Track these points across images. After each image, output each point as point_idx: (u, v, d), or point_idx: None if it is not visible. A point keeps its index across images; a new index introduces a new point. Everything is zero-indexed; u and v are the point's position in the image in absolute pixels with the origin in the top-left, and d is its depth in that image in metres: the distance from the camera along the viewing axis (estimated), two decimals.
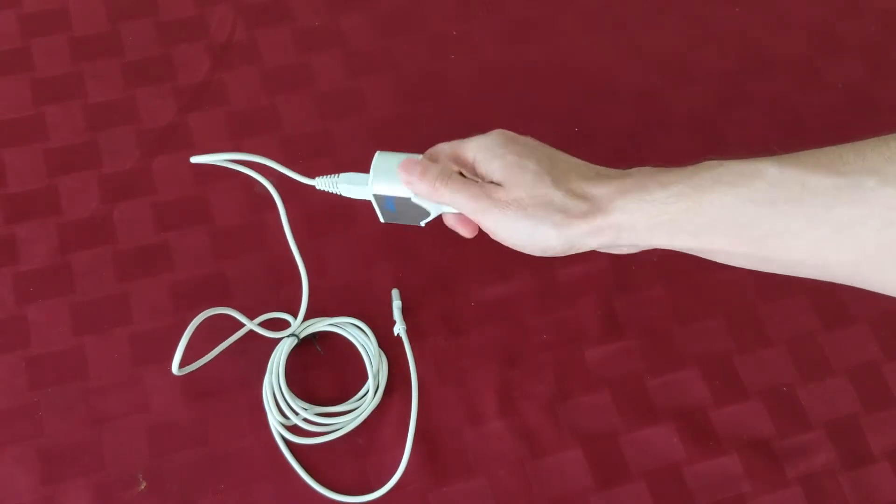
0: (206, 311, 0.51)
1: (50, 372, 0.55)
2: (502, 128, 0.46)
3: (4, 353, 0.55)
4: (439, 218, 0.48)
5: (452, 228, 0.48)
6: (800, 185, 0.38)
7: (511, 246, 0.45)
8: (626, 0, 0.71)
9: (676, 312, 0.60)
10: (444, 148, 0.48)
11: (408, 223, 0.49)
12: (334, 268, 0.59)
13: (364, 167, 0.63)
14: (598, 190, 0.43)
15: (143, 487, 0.52)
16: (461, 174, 0.46)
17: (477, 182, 0.45)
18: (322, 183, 0.48)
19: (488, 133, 0.46)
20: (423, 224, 0.48)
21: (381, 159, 0.48)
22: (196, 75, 0.65)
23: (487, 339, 0.58)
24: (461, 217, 0.47)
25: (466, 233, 0.48)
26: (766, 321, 0.60)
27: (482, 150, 0.45)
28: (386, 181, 0.47)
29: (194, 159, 0.48)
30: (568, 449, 0.55)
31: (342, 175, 0.48)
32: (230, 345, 0.55)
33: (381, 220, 0.49)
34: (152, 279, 0.58)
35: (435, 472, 0.54)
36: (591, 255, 0.61)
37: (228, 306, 0.57)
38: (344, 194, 0.48)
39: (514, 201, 0.43)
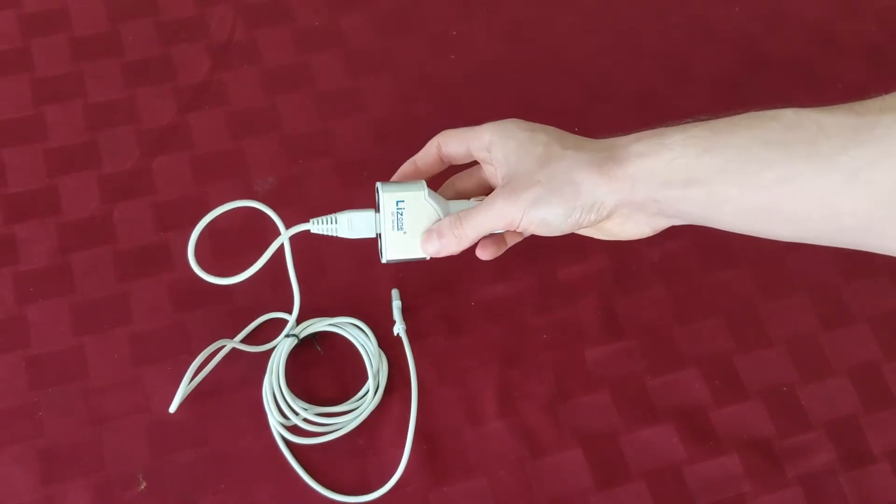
0: (205, 350, 0.52)
1: (50, 372, 0.55)
2: None
3: (4, 353, 0.55)
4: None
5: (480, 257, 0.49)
6: (815, 126, 0.37)
7: (547, 229, 0.44)
8: (626, 0, 0.71)
9: (676, 312, 0.60)
10: (452, 134, 0.48)
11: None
12: (334, 268, 0.59)
13: (364, 167, 0.63)
14: (613, 139, 0.43)
15: (143, 487, 0.52)
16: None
17: (482, 198, 0.46)
18: (317, 227, 0.48)
19: (503, 120, 0.46)
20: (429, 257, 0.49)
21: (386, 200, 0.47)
22: (196, 75, 0.65)
23: (487, 339, 0.58)
24: (482, 242, 0.48)
25: (487, 255, 0.49)
26: (766, 321, 0.60)
27: (498, 133, 0.45)
28: (398, 247, 0.47)
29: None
30: (568, 449, 0.55)
31: (340, 216, 0.48)
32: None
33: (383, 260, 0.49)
34: (152, 279, 0.58)
35: (435, 472, 0.54)
36: (592, 255, 0.61)
37: (228, 306, 0.57)
38: (343, 236, 0.48)
39: (534, 184, 0.43)
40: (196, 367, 0.52)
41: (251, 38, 0.67)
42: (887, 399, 0.58)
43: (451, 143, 0.48)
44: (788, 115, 0.38)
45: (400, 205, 0.47)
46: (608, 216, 0.43)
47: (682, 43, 0.70)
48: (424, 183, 0.47)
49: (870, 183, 0.35)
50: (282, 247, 0.50)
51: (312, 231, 0.48)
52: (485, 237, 0.48)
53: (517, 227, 0.44)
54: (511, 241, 0.50)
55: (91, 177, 0.61)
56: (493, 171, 0.47)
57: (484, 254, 0.49)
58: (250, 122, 0.64)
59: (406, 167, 0.50)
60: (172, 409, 0.52)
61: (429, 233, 0.47)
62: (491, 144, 0.46)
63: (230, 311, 0.57)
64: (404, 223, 0.47)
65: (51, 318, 0.56)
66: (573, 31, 0.70)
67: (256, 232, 0.60)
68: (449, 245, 0.46)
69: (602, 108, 0.67)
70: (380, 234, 0.48)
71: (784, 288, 0.61)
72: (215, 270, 0.59)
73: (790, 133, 0.37)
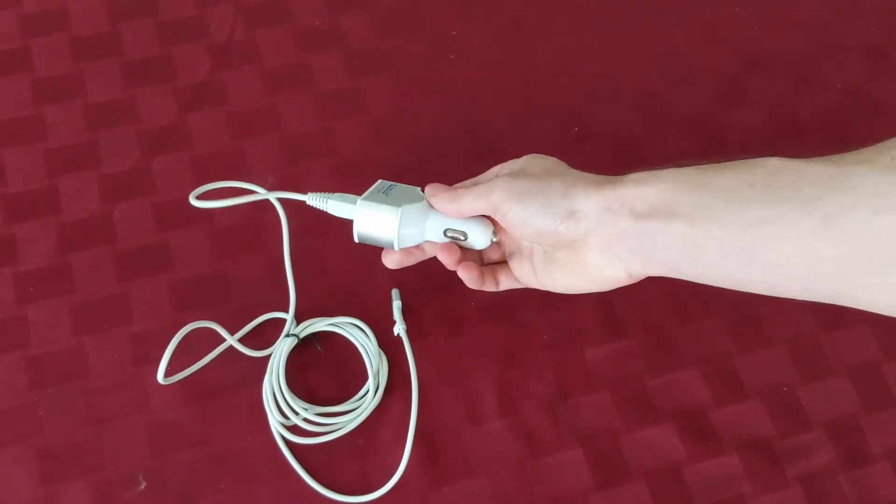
0: (189, 325, 0.52)
1: (50, 372, 0.55)
2: (502, 126, 0.48)
3: (4, 353, 0.55)
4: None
5: (439, 258, 0.51)
6: (797, 173, 0.39)
7: (522, 224, 0.46)
8: (627, 0, 0.71)
9: (676, 312, 0.60)
10: (466, 182, 0.52)
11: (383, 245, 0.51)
12: (334, 268, 0.59)
13: (364, 167, 0.63)
14: (614, 176, 0.45)
15: (143, 487, 0.52)
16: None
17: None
18: (312, 199, 0.51)
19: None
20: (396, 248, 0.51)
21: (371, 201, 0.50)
22: (196, 75, 0.65)
23: (487, 339, 0.58)
24: (443, 245, 0.50)
25: (449, 261, 0.51)
26: (766, 321, 0.60)
27: (506, 165, 0.50)
28: (371, 225, 0.50)
29: (196, 203, 0.50)
30: (568, 449, 0.55)
31: (333, 195, 0.51)
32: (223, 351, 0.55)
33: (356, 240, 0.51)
34: (152, 279, 0.58)
35: (435, 472, 0.54)
36: None
37: (228, 306, 0.58)
38: (332, 213, 0.51)
39: (531, 178, 0.46)
40: (181, 337, 0.51)
41: (251, 38, 0.67)
42: (887, 399, 0.58)
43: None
44: (773, 162, 0.40)
45: (392, 186, 0.51)
46: (585, 233, 0.45)
47: (682, 43, 0.70)
48: (425, 196, 0.51)
49: (843, 230, 0.37)
50: (281, 243, 0.51)
51: (308, 203, 0.51)
52: (467, 257, 0.51)
53: (496, 210, 0.47)
54: (504, 283, 0.53)
55: (91, 177, 0.61)
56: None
57: (444, 257, 0.51)
58: (250, 122, 0.64)
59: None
60: (159, 377, 0.51)
61: (433, 185, 0.50)
62: (500, 170, 0.50)
63: (230, 310, 0.57)
64: (390, 193, 0.50)
65: (51, 318, 0.56)
66: (573, 31, 0.70)
67: (257, 232, 0.60)
68: (442, 198, 0.49)
69: (602, 107, 0.67)
70: (358, 205, 0.50)
71: None
72: (215, 267, 0.59)
73: (773, 177, 0.39)
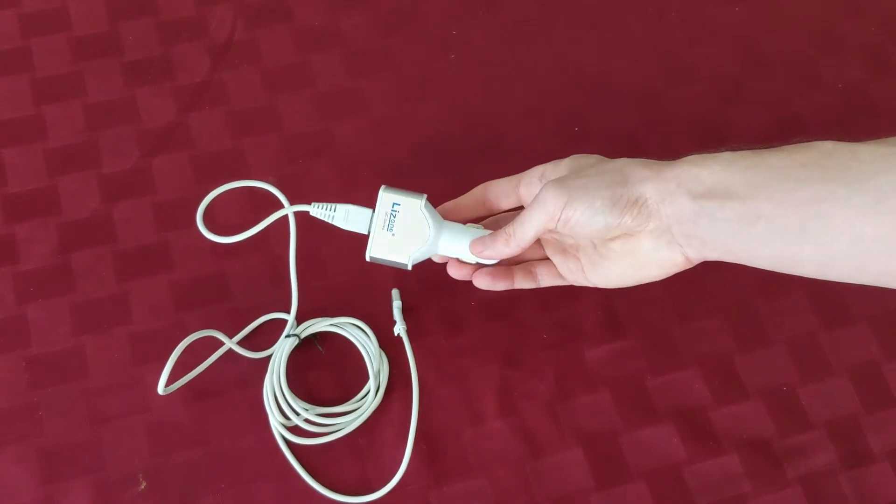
0: (189, 337, 0.52)
1: (50, 372, 0.55)
2: (502, 126, 0.47)
3: (4, 353, 0.55)
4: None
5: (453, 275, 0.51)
6: (849, 154, 0.39)
7: (589, 221, 0.45)
8: (626, 0, 0.71)
9: (676, 312, 0.60)
10: (500, 180, 0.51)
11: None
12: (335, 268, 0.59)
13: (364, 167, 0.63)
14: (664, 161, 0.45)
15: (143, 487, 0.52)
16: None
17: (479, 226, 0.50)
18: (317, 210, 0.51)
19: None
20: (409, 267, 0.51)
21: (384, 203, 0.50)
22: (196, 75, 0.65)
23: (487, 339, 0.58)
24: (450, 266, 0.51)
25: (460, 275, 0.51)
26: (766, 321, 0.60)
27: (550, 165, 0.49)
28: (383, 247, 0.50)
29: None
30: (568, 449, 0.55)
31: (340, 206, 0.50)
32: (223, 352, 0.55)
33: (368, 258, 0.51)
34: (152, 279, 0.58)
35: (435, 472, 0.54)
36: None
37: (229, 306, 0.57)
38: (338, 225, 0.51)
39: (582, 176, 0.46)
40: (181, 351, 0.51)
41: (251, 38, 0.67)
42: (887, 399, 0.58)
43: (499, 184, 0.51)
44: (826, 144, 0.41)
45: (395, 207, 0.49)
46: (646, 218, 0.44)
47: (682, 43, 0.70)
48: (425, 196, 0.49)
49: (894, 209, 0.37)
50: (285, 241, 0.51)
51: (311, 213, 0.51)
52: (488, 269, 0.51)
53: (559, 218, 0.45)
54: (544, 280, 0.52)
55: (91, 177, 0.61)
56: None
57: (456, 272, 0.52)
58: (250, 122, 0.64)
59: (447, 204, 0.52)
60: (160, 388, 0.51)
61: (490, 242, 0.49)
62: (545, 171, 0.49)
63: (230, 310, 0.57)
64: (395, 225, 0.49)
65: (51, 318, 0.56)
66: (573, 31, 0.70)
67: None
68: (496, 248, 0.48)
69: (602, 107, 0.67)
70: (370, 232, 0.50)
71: (784, 288, 0.61)
72: (215, 267, 0.59)
73: (826, 158, 0.40)
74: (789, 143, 0.43)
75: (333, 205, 0.50)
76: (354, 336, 0.57)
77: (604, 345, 0.58)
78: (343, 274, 0.59)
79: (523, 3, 0.71)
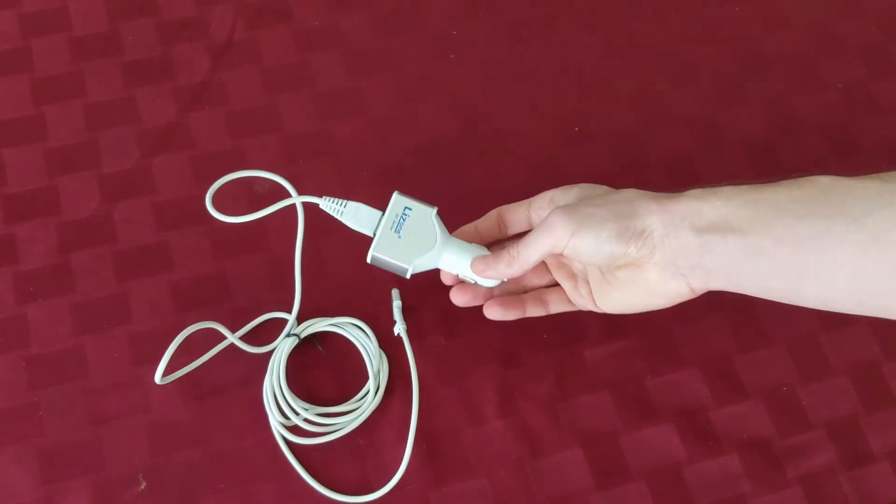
0: (190, 327, 0.52)
1: (50, 372, 0.55)
2: (502, 126, 0.47)
3: (4, 353, 0.55)
4: None
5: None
6: (846, 190, 0.40)
7: (595, 250, 0.45)
8: (626, 1, 0.71)
9: (676, 312, 0.59)
10: (513, 204, 0.52)
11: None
12: (335, 267, 0.59)
13: (363, 167, 0.63)
14: (669, 193, 0.46)
15: (143, 487, 0.52)
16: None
17: (482, 247, 0.51)
18: (326, 203, 0.51)
19: None
20: (408, 276, 0.51)
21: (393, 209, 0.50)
22: (196, 75, 0.65)
23: (487, 339, 0.58)
24: (453, 292, 0.53)
25: (463, 301, 0.53)
26: (766, 321, 0.60)
27: (559, 191, 0.50)
28: (387, 248, 0.50)
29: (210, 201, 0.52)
30: (568, 449, 0.55)
31: (350, 203, 0.51)
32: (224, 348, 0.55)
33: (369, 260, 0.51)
34: (152, 279, 0.58)
35: (435, 472, 0.54)
36: None
37: (229, 306, 0.57)
38: (346, 222, 0.51)
39: (591, 205, 0.46)
40: (182, 340, 0.51)
41: (251, 38, 0.67)
42: (887, 399, 0.58)
43: (511, 209, 0.52)
44: (824, 179, 0.41)
45: (407, 212, 0.50)
46: (651, 250, 0.45)
47: (682, 42, 0.70)
48: (437, 209, 0.50)
49: (893, 244, 0.38)
50: (287, 242, 0.52)
51: (321, 206, 0.51)
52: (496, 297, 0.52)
53: (566, 245, 0.46)
54: (554, 307, 0.53)
55: (91, 177, 0.61)
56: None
57: (458, 298, 0.53)
58: (250, 122, 0.64)
59: (466, 228, 0.53)
60: (157, 377, 0.51)
61: (492, 262, 0.49)
62: (555, 196, 0.50)
63: (231, 310, 0.57)
64: (403, 228, 0.50)
65: (51, 318, 0.56)
66: (573, 31, 0.70)
67: (257, 231, 0.60)
68: (498, 269, 0.49)
69: (602, 108, 0.67)
70: (376, 231, 0.50)
71: None
72: (215, 267, 0.59)
73: (823, 194, 0.41)
74: (788, 143, 0.43)
75: (344, 201, 0.51)
76: (354, 336, 0.57)
77: (603, 345, 0.58)
78: (343, 274, 0.59)
79: (523, 3, 0.71)
